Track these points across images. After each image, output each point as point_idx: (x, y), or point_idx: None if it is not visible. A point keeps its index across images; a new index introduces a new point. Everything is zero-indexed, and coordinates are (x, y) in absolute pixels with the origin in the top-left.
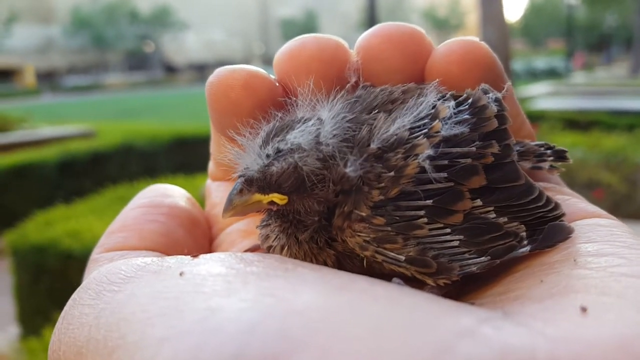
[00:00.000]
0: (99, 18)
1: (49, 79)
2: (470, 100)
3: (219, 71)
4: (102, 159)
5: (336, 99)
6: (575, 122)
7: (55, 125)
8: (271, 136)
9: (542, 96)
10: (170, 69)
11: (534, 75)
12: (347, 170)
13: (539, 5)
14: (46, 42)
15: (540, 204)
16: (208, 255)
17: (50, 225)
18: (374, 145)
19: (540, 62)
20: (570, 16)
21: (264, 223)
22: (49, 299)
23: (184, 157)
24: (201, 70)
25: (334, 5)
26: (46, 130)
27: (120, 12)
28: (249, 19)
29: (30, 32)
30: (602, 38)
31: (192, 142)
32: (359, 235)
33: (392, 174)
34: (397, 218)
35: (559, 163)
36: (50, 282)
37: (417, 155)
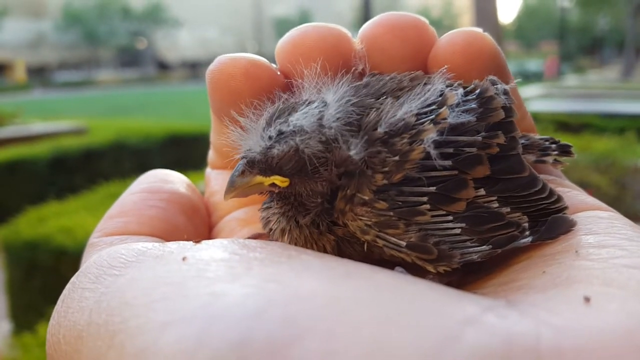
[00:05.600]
0: (90, 13)
1: (39, 74)
2: (478, 91)
3: (220, 59)
4: (95, 156)
5: (341, 82)
6: (567, 125)
7: (46, 121)
8: (274, 118)
9: (534, 98)
10: (163, 66)
11: (527, 77)
12: (351, 152)
13: (532, 7)
14: (37, 37)
15: (543, 195)
16: (210, 241)
17: (42, 221)
18: (380, 130)
19: (533, 64)
20: (563, 18)
21: (266, 205)
22: (42, 295)
23: (177, 154)
24: (194, 67)
25: (328, 4)
26: (38, 126)
27: (113, 8)
28: (242, 17)
29: (21, 27)
30: (594, 41)
31: (185, 140)
32: (360, 219)
33: (396, 158)
34: (400, 203)
35: (563, 158)
36: (42, 278)
37: (422, 140)
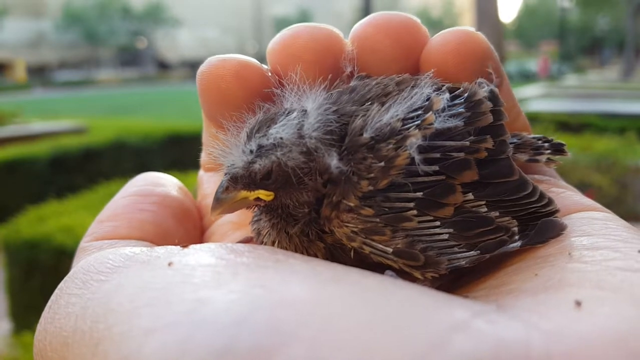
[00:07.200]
0: (90, 13)
1: (39, 73)
2: (466, 94)
3: (210, 60)
4: (94, 155)
5: (320, 89)
6: (568, 125)
7: (46, 120)
8: (254, 131)
9: (535, 98)
10: (163, 66)
11: (527, 77)
12: (332, 164)
13: (533, 7)
14: (37, 36)
15: (533, 199)
16: (198, 246)
17: (42, 220)
18: (366, 135)
19: (533, 64)
20: (563, 18)
21: (256, 218)
22: (42, 294)
23: (177, 154)
24: (194, 67)
25: (328, 4)
26: (38, 126)
27: (113, 8)
28: (242, 16)
29: (22, 26)
30: (594, 41)
31: (185, 140)
32: (346, 226)
33: (382, 164)
34: (386, 209)
35: (557, 156)
36: (42, 277)
37: (407, 146)
